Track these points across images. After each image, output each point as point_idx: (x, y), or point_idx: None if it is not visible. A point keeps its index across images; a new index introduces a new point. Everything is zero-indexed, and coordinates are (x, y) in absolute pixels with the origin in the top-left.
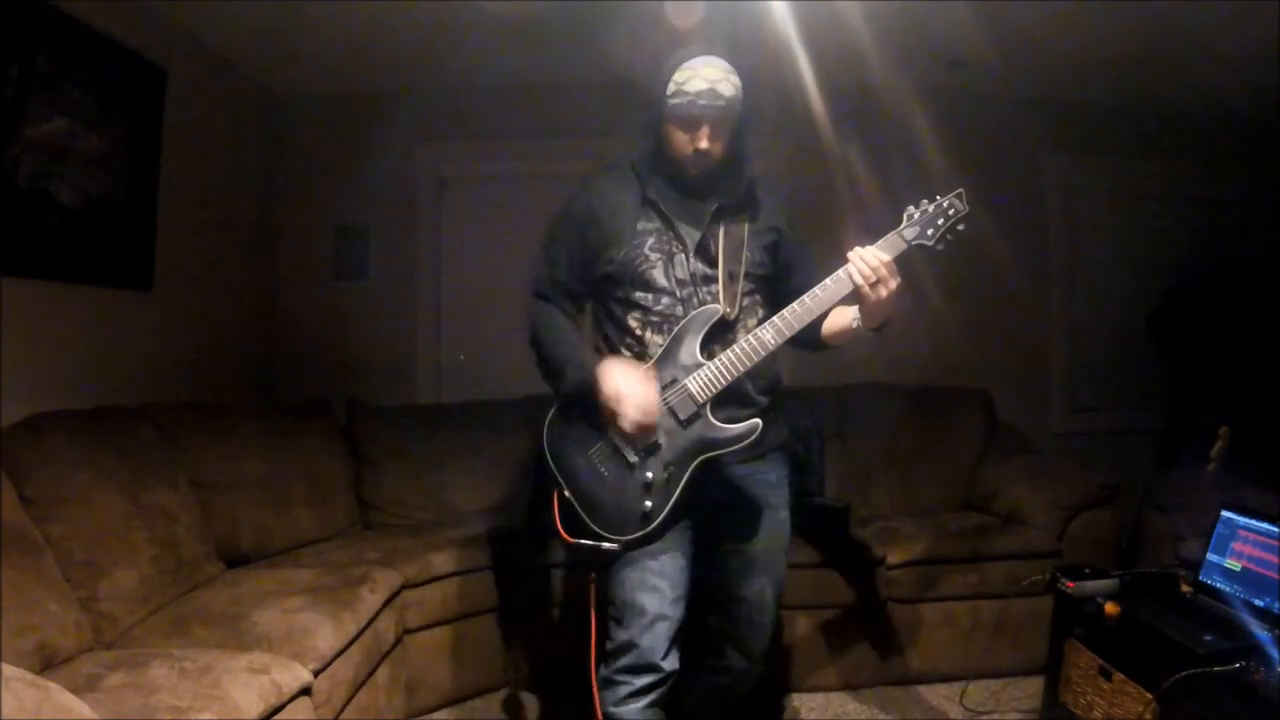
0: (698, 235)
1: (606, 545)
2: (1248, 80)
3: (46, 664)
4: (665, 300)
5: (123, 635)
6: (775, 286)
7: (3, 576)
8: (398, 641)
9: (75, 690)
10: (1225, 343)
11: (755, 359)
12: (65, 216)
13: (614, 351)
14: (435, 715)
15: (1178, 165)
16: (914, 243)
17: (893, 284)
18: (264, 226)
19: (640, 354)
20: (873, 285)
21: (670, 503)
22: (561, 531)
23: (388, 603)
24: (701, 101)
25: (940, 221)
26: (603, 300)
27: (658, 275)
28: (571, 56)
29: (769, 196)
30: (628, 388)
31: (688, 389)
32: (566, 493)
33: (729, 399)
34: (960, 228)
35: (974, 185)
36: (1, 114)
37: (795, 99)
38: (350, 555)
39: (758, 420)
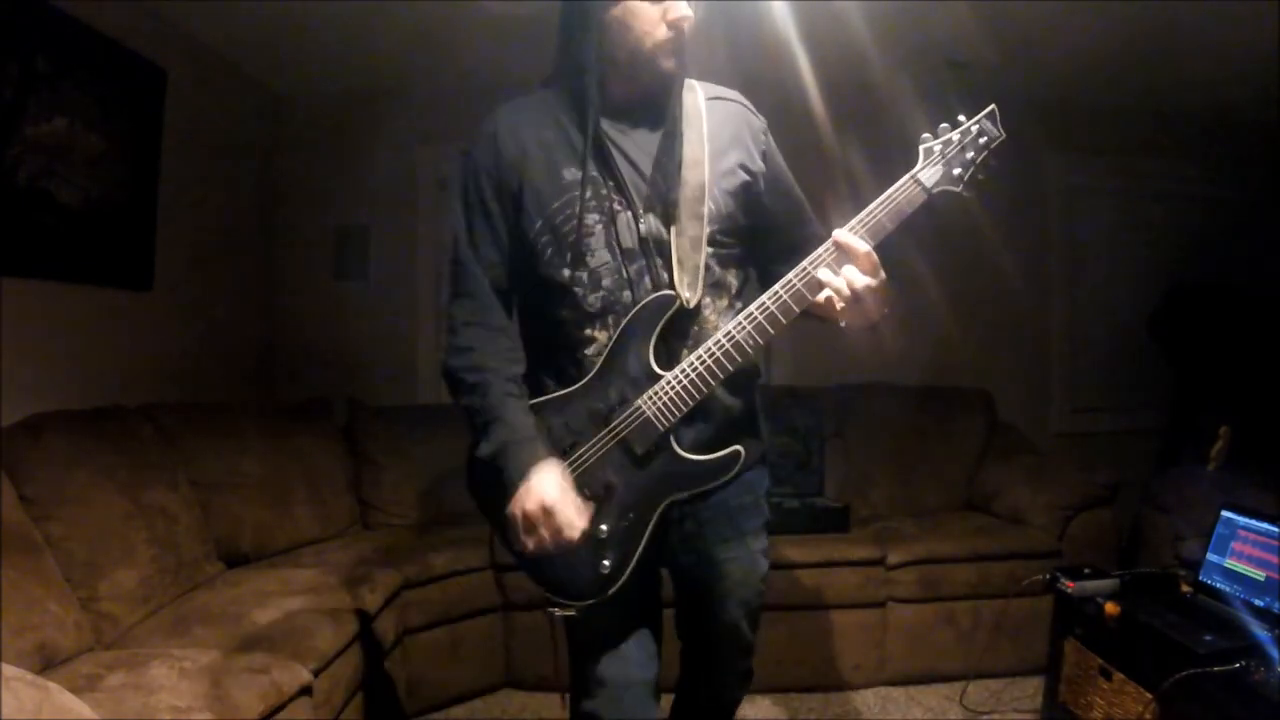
0: (645, 184)
1: (558, 612)
2: (1248, 80)
3: (46, 664)
4: (607, 281)
5: (123, 635)
6: (754, 245)
7: (3, 576)
8: (398, 641)
9: (75, 690)
10: (1225, 343)
11: (731, 367)
12: (65, 216)
13: (546, 360)
14: (435, 715)
15: (1178, 165)
16: (936, 190)
17: (871, 295)
18: (264, 226)
19: (578, 362)
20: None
21: (635, 559)
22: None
23: (388, 603)
24: None
25: (970, 155)
26: (525, 284)
27: (596, 245)
28: None
29: (731, 117)
30: (548, 496)
31: (643, 413)
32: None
33: (692, 411)
34: (994, 162)
35: None
36: (1, 114)
37: (795, 99)
38: (350, 555)
39: (739, 448)
